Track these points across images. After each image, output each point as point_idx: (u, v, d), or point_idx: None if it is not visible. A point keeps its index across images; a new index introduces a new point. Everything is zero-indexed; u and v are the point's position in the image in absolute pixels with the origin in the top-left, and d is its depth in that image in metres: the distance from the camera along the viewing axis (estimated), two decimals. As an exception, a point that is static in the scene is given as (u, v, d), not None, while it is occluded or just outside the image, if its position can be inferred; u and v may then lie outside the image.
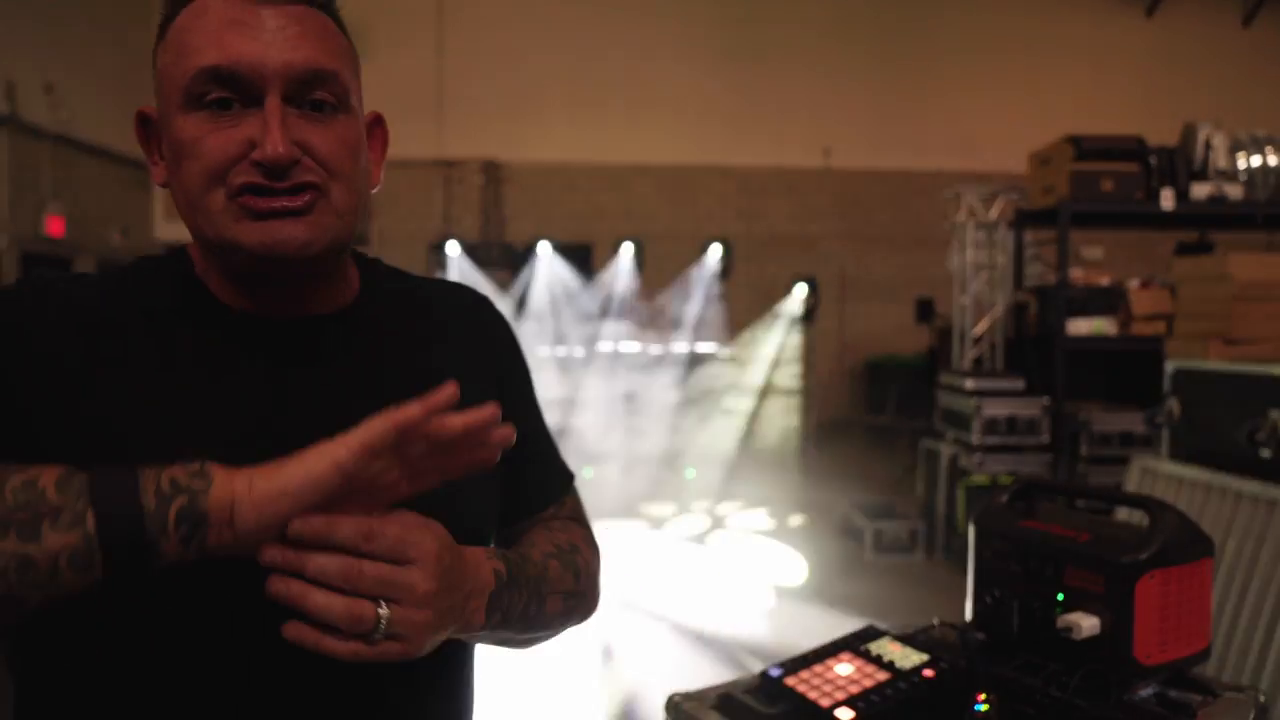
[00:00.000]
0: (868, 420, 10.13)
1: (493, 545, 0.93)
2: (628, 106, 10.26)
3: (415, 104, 9.61)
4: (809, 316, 7.59)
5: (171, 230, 9.40)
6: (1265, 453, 2.60)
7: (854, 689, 1.07)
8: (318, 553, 0.66)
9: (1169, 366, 3.09)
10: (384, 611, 0.67)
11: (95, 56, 8.32)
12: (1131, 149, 5.03)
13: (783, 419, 7.58)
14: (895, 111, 10.46)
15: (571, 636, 1.00)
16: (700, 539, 6.02)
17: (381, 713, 0.82)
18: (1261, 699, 1.12)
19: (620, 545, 5.58)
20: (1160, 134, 5.24)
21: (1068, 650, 1.12)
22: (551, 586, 0.88)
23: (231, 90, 0.75)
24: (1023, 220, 5.86)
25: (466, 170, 10.33)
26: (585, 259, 8.29)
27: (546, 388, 6.02)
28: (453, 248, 7.74)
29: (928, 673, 1.10)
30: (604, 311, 7.64)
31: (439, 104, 9.97)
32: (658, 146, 10.34)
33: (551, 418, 1.09)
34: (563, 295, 7.87)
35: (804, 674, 1.11)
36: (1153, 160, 4.98)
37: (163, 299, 0.81)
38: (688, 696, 1.13)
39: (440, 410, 0.68)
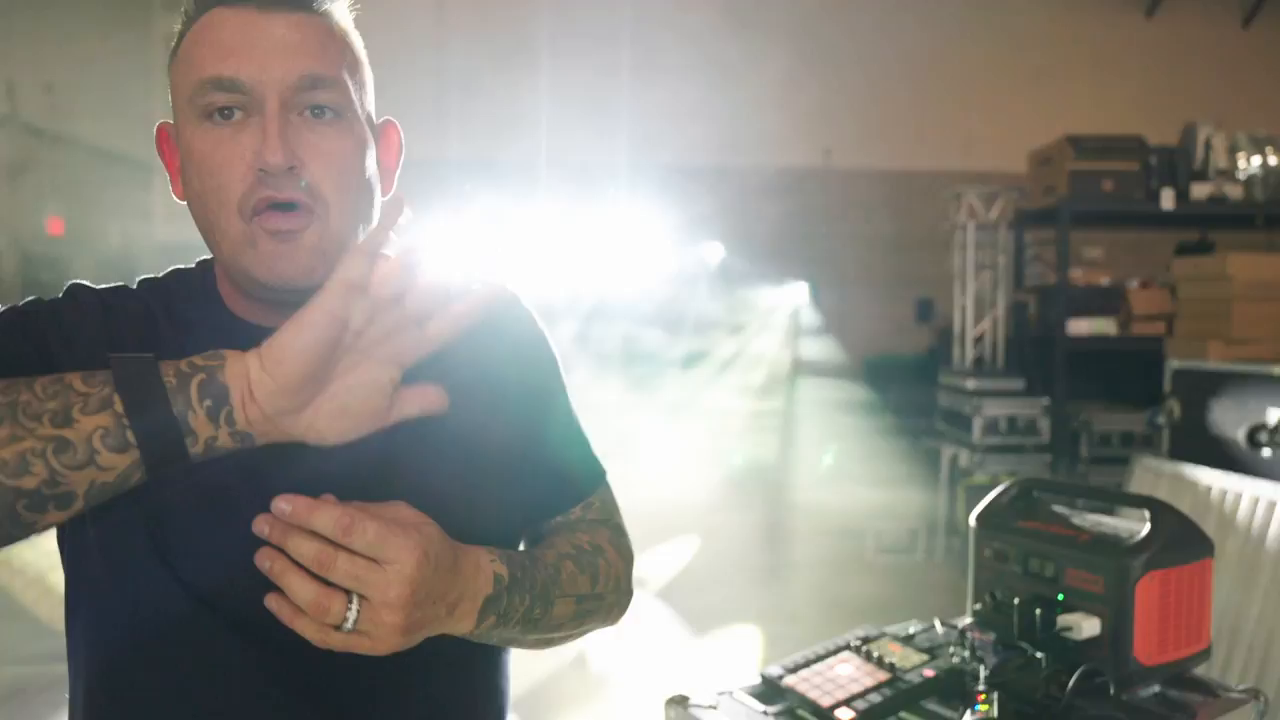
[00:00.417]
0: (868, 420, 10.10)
1: (519, 546, 0.94)
2: (628, 106, 10.26)
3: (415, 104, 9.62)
4: (809, 316, 7.60)
5: (172, 230, 9.35)
6: (1265, 453, 2.60)
7: (854, 689, 1.07)
8: (301, 534, 0.68)
9: (1169, 366, 3.10)
10: (354, 606, 0.69)
11: (95, 56, 8.30)
12: (1132, 149, 5.02)
13: (782, 419, 7.58)
14: (895, 111, 10.45)
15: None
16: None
17: (408, 699, 0.84)
18: (1262, 700, 1.12)
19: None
20: (1160, 134, 5.24)
21: (1068, 650, 1.12)
22: (563, 589, 0.87)
23: (234, 99, 0.77)
24: (1023, 220, 5.86)
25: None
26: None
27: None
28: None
29: (928, 673, 1.10)
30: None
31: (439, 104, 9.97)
32: (658, 146, 10.33)
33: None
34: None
35: (804, 674, 1.11)
36: (1153, 160, 4.97)
37: (190, 311, 0.86)
38: (687, 696, 1.13)
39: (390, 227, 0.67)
